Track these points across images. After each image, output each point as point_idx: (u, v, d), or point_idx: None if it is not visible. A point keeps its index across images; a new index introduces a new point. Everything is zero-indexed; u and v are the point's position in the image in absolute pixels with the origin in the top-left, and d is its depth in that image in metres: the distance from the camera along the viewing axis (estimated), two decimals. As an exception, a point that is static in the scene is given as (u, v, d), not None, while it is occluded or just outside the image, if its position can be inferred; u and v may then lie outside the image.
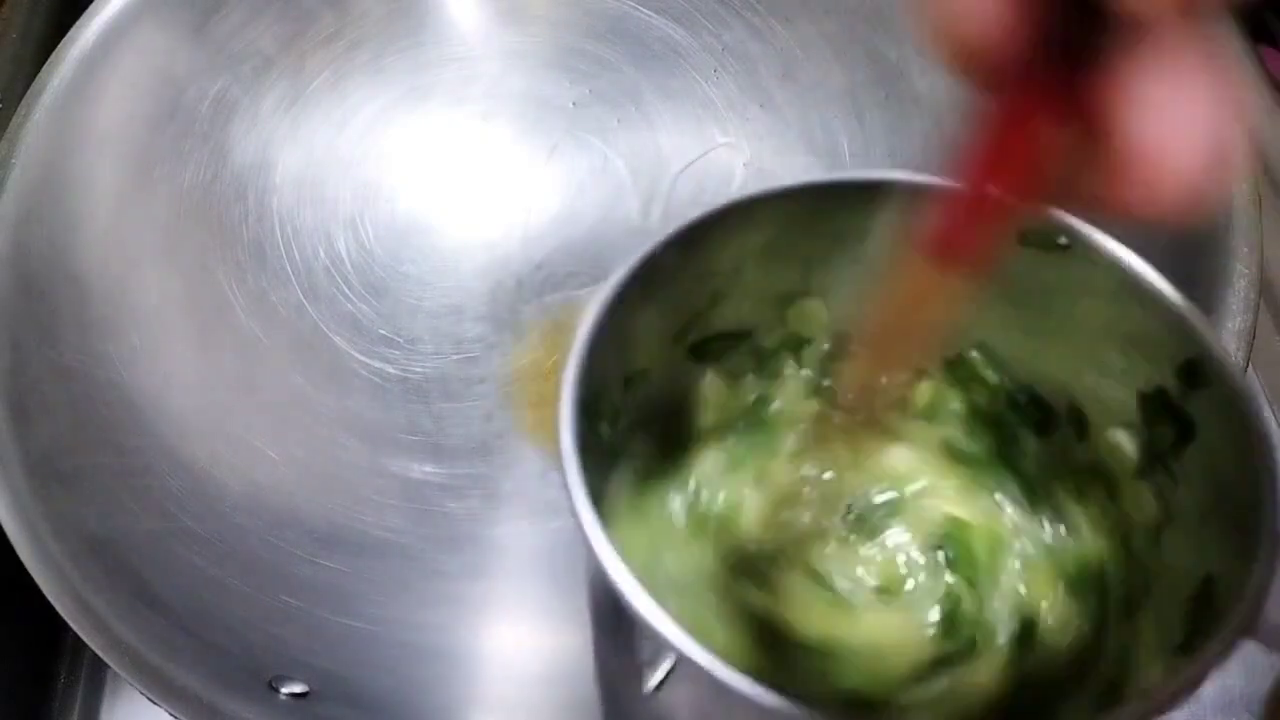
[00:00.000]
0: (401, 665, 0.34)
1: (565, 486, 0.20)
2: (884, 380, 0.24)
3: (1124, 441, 0.25)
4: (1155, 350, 0.23)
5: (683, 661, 0.18)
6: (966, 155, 0.18)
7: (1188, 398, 0.23)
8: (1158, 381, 0.23)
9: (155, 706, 0.31)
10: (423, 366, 0.40)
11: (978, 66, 0.16)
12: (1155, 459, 0.24)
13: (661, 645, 0.19)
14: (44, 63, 0.42)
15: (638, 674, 0.19)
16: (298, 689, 0.32)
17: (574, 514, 0.20)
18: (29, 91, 0.41)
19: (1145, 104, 0.16)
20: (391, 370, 0.40)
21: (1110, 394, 0.25)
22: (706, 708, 0.20)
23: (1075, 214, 0.22)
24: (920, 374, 0.28)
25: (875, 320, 0.22)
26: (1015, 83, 0.17)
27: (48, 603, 0.32)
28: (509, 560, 0.37)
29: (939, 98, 0.43)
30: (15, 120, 0.41)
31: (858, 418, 0.26)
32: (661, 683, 0.19)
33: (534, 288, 0.41)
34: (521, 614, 0.36)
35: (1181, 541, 0.23)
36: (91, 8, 0.43)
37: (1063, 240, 0.23)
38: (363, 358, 0.40)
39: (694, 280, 0.25)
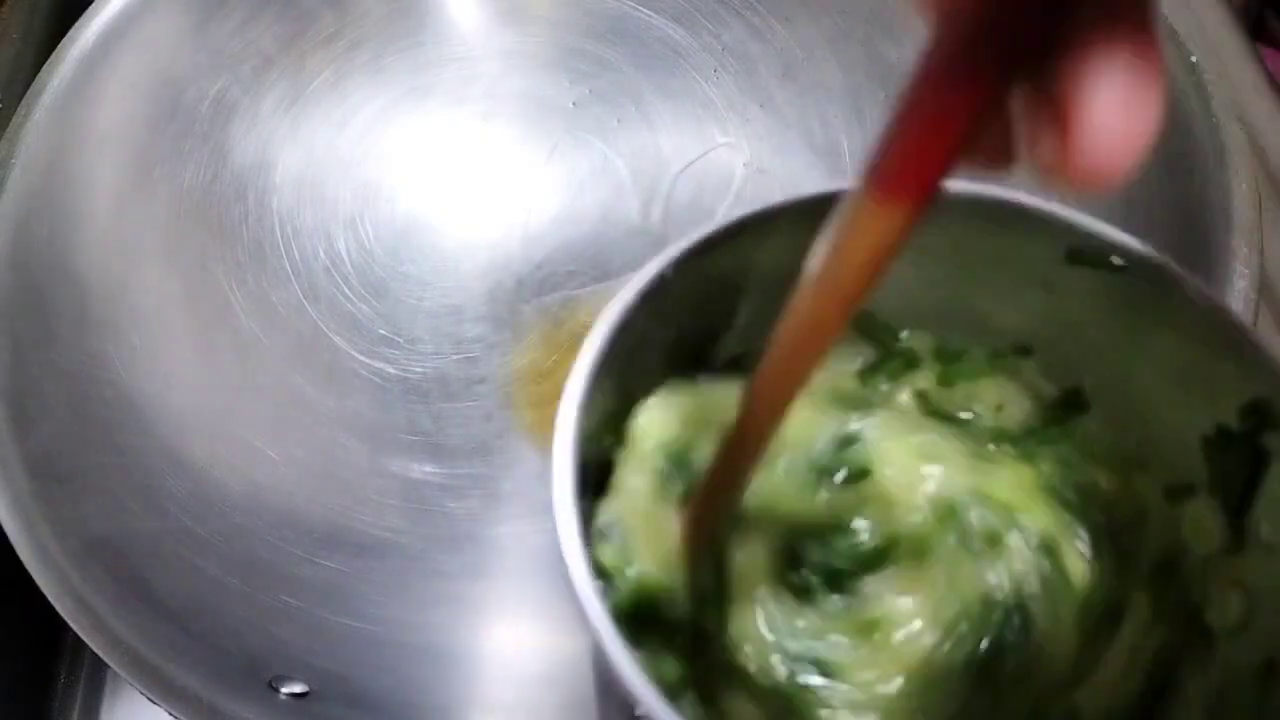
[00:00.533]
0: (401, 665, 0.34)
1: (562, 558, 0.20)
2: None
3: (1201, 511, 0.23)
4: (1216, 386, 0.21)
5: None
6: (921, 89, 0.17)
7: (1257, 436, 0.21)
8: (1219, 420, 0.22)
9: (155, 706, 0.31)
10: (422, 366, 0.40)
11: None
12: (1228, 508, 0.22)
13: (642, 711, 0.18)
14: (44, 63, 0.42)
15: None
16: (298, 689, 0.32)
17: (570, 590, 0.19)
18: (29, 91, 0.41)
19: (1105, 80, 0.16)
20: (391, 370, 0.40)
21: (1174, 438, 0.23)
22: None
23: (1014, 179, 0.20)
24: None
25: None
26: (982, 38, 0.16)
27: (48, 603, 0.32)
28: (509, 560, 0.37)
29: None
30: (15, 120, 0.41)
31: None
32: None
33: (534, 288, 0.41)
34: (521, 614, 0.36)
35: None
36: (91, 8, 0.43)
37: (1118, 260, 0.22)
38: (363, 358, 0.40)
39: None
